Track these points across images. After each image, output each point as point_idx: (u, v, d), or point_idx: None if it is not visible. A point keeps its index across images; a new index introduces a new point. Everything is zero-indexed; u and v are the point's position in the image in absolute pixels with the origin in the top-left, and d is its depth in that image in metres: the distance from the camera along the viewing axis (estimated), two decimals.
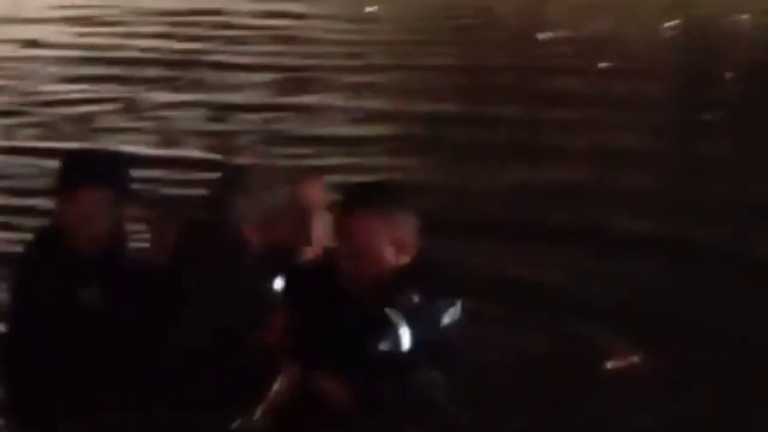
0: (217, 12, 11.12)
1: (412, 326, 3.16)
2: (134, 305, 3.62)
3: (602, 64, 8.76)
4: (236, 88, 8.04)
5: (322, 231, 3.59)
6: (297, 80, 8.37)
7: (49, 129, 7.39)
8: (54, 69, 9.21)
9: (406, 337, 3.14)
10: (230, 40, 10.26)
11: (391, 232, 3.27)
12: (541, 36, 10.20)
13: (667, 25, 10.85)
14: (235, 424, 3.26)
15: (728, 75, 8.74)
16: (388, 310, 3.15)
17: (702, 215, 5.33)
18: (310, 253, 3.67)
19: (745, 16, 10.54)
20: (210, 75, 8.59)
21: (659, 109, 8.10)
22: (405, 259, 3.26)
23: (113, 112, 7.73)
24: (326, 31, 10.79)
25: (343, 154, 6.43)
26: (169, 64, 9.25)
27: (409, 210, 3.34)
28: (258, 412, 3.24)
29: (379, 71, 8.67)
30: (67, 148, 5.43)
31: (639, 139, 6.78)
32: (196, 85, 8.40)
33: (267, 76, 8.36)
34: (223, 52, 9.46)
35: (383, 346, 3.15)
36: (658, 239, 4.95)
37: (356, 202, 3.36)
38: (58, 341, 3.63)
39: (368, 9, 11.73)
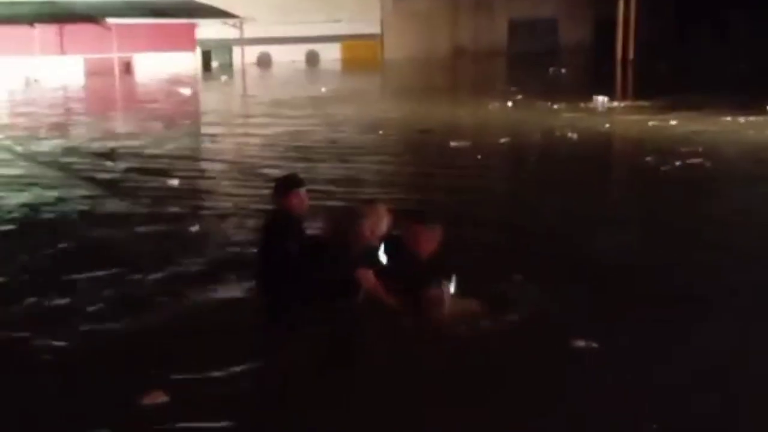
0: None
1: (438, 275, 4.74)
2: (309, 254, 4.99)
3: (479, 156, 12.11)
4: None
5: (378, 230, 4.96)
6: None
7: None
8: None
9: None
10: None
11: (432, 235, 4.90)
12: (453, 143, 13.33)
13: (503, 140, 13.87)
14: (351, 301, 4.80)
15: (532, 157, 12.66)
16: (431, 267, 4.74)
17: (533, 213, 7.98)
18: (375, 241, 4.96)
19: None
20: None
21: (505, 163, 12.24)
22: (435, 249, 4.84)
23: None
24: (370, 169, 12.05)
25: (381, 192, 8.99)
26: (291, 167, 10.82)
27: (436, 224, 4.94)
28: (360, 297, 4.85)
29: (403, 175, 11.57)
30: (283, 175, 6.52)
31: (489, 181, 10.43)
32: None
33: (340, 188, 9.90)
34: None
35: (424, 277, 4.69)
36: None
37: (418, 220, 4.97)
38: (281, 263, 5.03)
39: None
